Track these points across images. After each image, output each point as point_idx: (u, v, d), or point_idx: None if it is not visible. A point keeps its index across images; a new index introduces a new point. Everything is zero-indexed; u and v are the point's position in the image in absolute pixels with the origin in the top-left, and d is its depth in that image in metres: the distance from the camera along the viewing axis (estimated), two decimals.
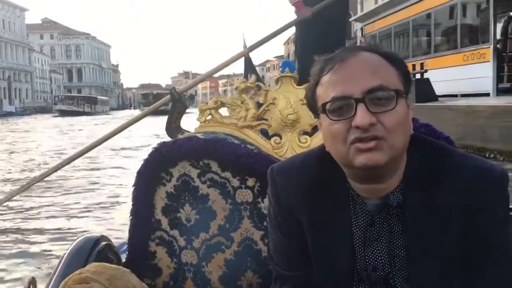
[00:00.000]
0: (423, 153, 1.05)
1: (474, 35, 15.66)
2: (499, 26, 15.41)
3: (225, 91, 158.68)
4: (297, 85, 1.74)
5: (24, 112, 63.20)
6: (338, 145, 0.99)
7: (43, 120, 43.01)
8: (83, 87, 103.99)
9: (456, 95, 14.79)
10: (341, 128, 0.98)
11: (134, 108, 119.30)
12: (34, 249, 4.97)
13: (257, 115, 1.75)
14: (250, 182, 1.60)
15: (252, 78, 1.82)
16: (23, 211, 6.56)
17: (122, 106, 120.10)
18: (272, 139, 1.73)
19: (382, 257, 1.07)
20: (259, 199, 1.59)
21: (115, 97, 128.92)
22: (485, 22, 14.92)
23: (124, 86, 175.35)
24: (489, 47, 14.38)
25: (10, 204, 6.06)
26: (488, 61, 14.28)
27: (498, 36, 15.14)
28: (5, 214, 6.16)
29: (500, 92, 13.94)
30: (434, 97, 13.44)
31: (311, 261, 1.13)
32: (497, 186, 1.01)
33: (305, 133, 1.72)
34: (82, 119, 43.74)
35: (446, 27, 17.57)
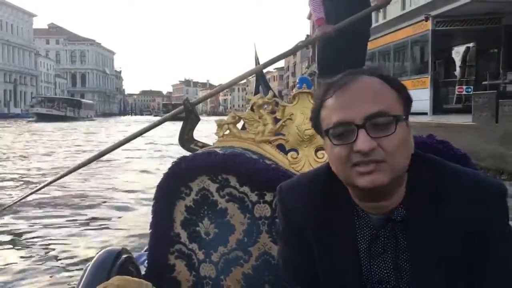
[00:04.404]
0: (423, 170, 1.08)
1: (419, 67, 20.70)
2: (459, 56, 20.82)
3: (225, 100, 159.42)
4: None
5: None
6: (341, 167, 1.04)
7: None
8: (86, 92, 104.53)
9: None
10: (343, 152, 1.02)
11: (135, 114, 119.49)
12: None
13: (275, 130, 1.78)
14: (268, 197, 1.62)
15: (270, 93, 1.84)
16: None
17: (123, 112, 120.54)
18: (289, 154, 1.75)
19: (388, 270, 1.10)
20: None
21: (117, 103, 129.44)
22: (426, 57, 19.78)
23: (126, 92, 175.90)
24: (428, 77, 19.25)
25: None
26: (427, 88, 18.97)
27: (459, 63, 20.68)
28: None
29: (448, 112, 17.89)
30: None
31: (319, 275, 1.16)
32: (495, 202, 1.04)
33: (322, 148, 1.74)
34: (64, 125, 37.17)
35: (401, 58, 22.73)
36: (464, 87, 18.44)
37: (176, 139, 2.32)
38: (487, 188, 1.05)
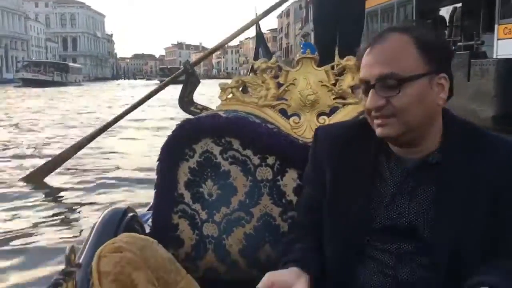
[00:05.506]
0: (460, 124, 1.20)
1: None
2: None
3: (218, 63, 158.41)
4: (318, 66, 1.79)
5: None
6: (368, 117, 1.19)
7: None
8: (77, 56, 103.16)
9: None
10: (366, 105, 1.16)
11: (128, 79, 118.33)
12: None
13: (277, 94, 1.80)
14: (270, 160, 1.65)
15: (273, 58, 1.85)
16: None
17: (116, 76, 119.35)
18: (291, 119, 1.78)
19: (410, 207, 1.16)
20: (279, 177, 1.65)
21: (110, 67, 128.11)
22: (410, 18, 19.33)
23: (118, 56, 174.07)
24: None
25: None
26: None
27: (448, 23, 20.25)
28: None
29: None
30: None
31: (327, 213, 1.26)
32: None
33: (324, 113, 1.77)
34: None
35: (388, 19, 22.45)
36: None
37: None
38: None
